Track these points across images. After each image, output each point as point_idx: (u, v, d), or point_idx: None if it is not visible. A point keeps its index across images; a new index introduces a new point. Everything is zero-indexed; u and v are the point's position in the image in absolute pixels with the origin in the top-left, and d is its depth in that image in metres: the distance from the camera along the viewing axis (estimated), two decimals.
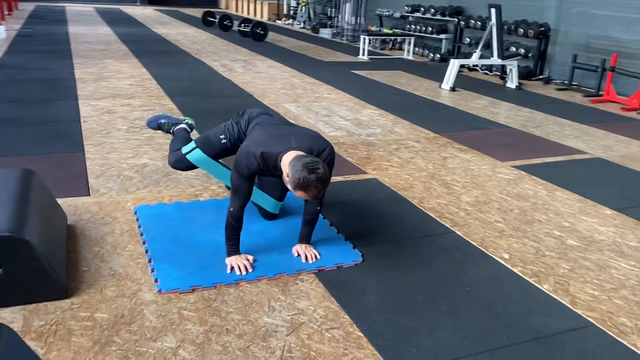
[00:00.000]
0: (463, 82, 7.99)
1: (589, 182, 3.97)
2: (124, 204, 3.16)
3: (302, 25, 16.42)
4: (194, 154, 2.87)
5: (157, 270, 2.44)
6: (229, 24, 13.68)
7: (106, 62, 8.05)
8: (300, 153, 2.37)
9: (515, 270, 2.67)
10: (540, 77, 8.67)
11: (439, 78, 8.22)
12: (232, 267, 2.48)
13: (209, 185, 3.51)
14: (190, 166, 2.90)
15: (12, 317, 2.09)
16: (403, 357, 1.99)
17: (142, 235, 2.78)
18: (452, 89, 7.38)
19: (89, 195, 3.26)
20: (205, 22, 14.65)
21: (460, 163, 4.27)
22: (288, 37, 13.44)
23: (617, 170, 4.33)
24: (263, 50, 10.51)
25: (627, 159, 4.63)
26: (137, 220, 2.94)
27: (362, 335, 2.11)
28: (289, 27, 16.57)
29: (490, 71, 9.05)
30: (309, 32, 15.12)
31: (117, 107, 5.41)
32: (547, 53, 8.73)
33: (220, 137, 2.84)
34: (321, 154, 2.46)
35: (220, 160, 2.93)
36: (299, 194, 2.28)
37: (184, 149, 2.91)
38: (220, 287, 2.38)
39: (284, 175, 2.35)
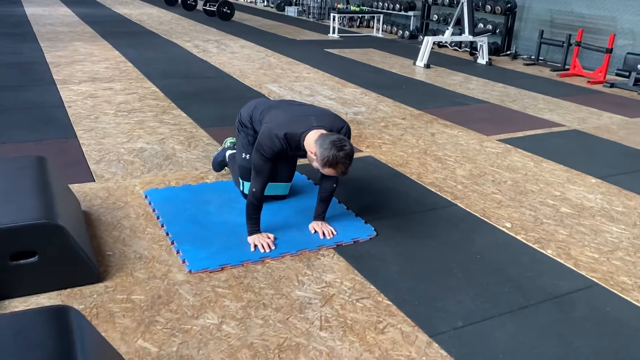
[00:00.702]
0: (435, 58, 8.14)
1: (570, 153, 4.19)
2: (132, 189, 3.17)
3: (265, 3, 16.25)
4: (247, 187, 2.90)
5: (183, 251, 2.50)
6: (193, 3, 13.43)
7: (75, 45, 7.84)
8: (324, 131, 2.45)
9: (518, 237, 2.84)
10: (508, 52, 8.91)
11: (412, 55, 8.36)
12: (256, 245, 2.56)
13: (211, 167, 3.55)
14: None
15: (50, 302, 2.11)
16: (433, 321, 2.13)
17: (158, 218, 2.82)
18: (427, 66, 7.53)
19: (94, 181, 3.26)
20: (168, 2, 14.33)
21: (449, 138, 4.42)
22: (254, 15, 13.32)
23: (593, 141, 4.57)
24: (232, 29, 10.40)
25: (601, 130, 4.89)
26: (150, 204, 2.97)
27: (390, 303, 2.23)
28: (252, 5, 16.38)
29: (460, 47, 9.24)
30: (274, 10, 14.99)
31: (99, 91, 5.32)
32: (513, 29, 8.97)
33: (243, 156, 2.88)
34: (340, 131, 2.54)
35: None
36: (328, 170, 2.37)
37: (240, 188, 2.98)
38: (247, 265, 2.45)
39: (310, 154, 2.42)
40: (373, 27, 11.20)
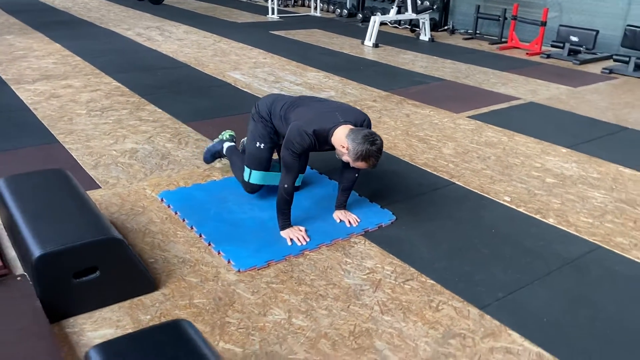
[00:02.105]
0: (380, 37, 8.34)
1: (535, 125, 4.54)
2: (143, 192, 3.15)
3: None
4: (253, 176, 2.97)
5: (225, 251, 2.56)
6: None
7: (7, 39, 7.38)
8: (351, 127, 2.57)
9: (520, 210, 3.11)
10: (446, 28, 9.28)
11: (357, 35, 8.54)
12: (291, 239, 2.66)
13: (214, 164, 3.57)
14: (261, 187, 3.02)
15: (117, 316, 2.13)
16: (477, 295, 2.34)
17: (184, 220, 2.84)
18: (376, 45, 7.73)
19: (100, 187, 3.21)
20: None
21: (423, 118, 4.65)
22: None
23: (550, 112, 4.96)
24: (167, 14, 10.11)
25: (553, 101, 5.30)
26: (169, 206, 2.98)
27: (434, 282, 2.42)
28: None
29: (400, 25, 9.50)
30: None
31: (58, 90, 5.10)
32: (449, 5, 9.34)
33: (257, 145, 2.93)
34: (363, 123, 2.68)
35: (272, 165, 3.03)
36: (360, 164, 2.50)
37: (245, 176, 3.00)
38: (289, 259, 2.56)
39: (341, 148, 2.53)
40: (310, 7, 11.24)
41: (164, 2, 11.58)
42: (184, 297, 2.26)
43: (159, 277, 2.38)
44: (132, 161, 3.57)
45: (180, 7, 11.23)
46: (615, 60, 6.67)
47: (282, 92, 3.12)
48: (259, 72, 6.03)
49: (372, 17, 7.79)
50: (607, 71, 6.52)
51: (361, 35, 8.51)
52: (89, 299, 2.12)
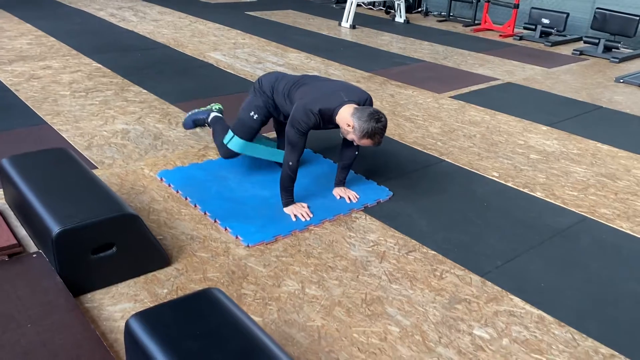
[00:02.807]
0: (355, 18, 8.39)
1: (515, 105, 4.69)
2: (141, 172, 3.17)
3: None
4: (234, 142, 3.00)
5: (232, 227, 2.61)
6: None
7: None
8: (355, 105, 2.64)
9: (509, 184, 3.25)
10: (419, 10, 9.38)
11: (332, 15, 8.57)
12: (295, 215, 2.73)
13: (206, 143, 3.59)
14: (237, 154, 3.05)
15: (133, 290, 2.17)
16: (477, 263, 2.46)
17: (187, 199, 2.88)
18: (353, 27, 7.78)
19: (97, 167, 3.20)
20: None
21: (408, 98, 4.76)
22: None
23: (528, 91, 5.13)
24: None
25: (530, 81, 5.47)
26: (170, 185, 3.01)
27: (436, 252, 2.54)
28: None
29: (374, 6, 9.55)
30: None
31: (37, 71, 5.00)
32: None
33: (250, 114, 2.97)
34: (366, 102, 2.75)
35: (257, 138, 3.06)
36: (365, 141, 2.58)
37: (225, 139, 3.03)
38: (295, 234, 2.63)
39: (346, 127, 2.61)
40: None
41: None
42: (197, 271, 2.32)
43: (170, 253, 2.42)
44: (125, 141, 3.57)
45: None
46: (585, 42, 6.90)
47: (269, 72, 3.15)
48: (239, 53, 6.02)
49: None
50: (578, 52, 6.74)
51: (337, 16, 8.54)
52: (106, 275, 2.15)
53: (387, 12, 9.14)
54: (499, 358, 1.93)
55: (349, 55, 6.16)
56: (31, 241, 2.31)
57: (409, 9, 9.27)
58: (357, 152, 2.93)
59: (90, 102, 4.26)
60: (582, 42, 7.27)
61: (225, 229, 2.62)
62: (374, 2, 9.49)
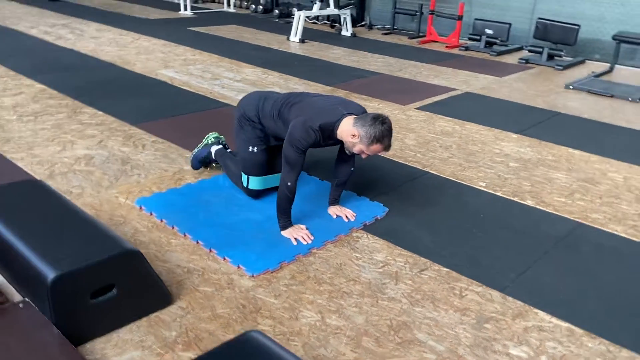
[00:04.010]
0: (303, 33, 8.32)
1: (479, 113, 4.74)
2: (116, 200, 2.90)
3: None
4: (252, 183, 2.86)
5: (231, 257, 2.42)
6: None
7: None
8: (353, 116, 2.53)
9: (498, 194, 3.23)
10: (363, 23, 9.44)
11: (279, 30, 8.48)
12: (296, 239, 2.57)
13: (180, 166, 3.36)
14: (262, 191, 2.90)
15: (138, 336, 1.94)
16: (493, 278, 2.39)
17: (173, 227, 2.65)
18: (302, 41, 7.70)
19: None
20: None
21: (375, 111, 4.68)
22: None
23: (487, 100, 5.21)
24: (72, 11, 9.40)
25: (487, 90, 5.57)
26: (152, 214, 2.77)
27: (449, 269, 2.45)
28: None
29: (319, 20, 9.53)
30: None
31: None
32: (366, 0, 9.51)
33: (249, 149, 2.81)
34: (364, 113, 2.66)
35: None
36: (375, 147, 2.45)
37: (243, 183, 2.88)
38: (299, 258, 2.47)
39: (350, 138, 2.47)
40: (222, 2, 10.96)
41: None
42: (204, 308, 2.11)
43: (169, 290, 2.19)
44: (91, 168, 3.28)
45: (82, 3, 10.48)
46: (530, 51, 7.14)
47: (248, 94, 2.99)
48: (192, 70, 5.78)
49: (297, 13, 7.74)
50: (524, 61, 6.96)
51: (283, 31, 8.45)
52: (105, 321, 1.91)
53: (332, 26, 9.14)
54: None
55: (305, 70, 6.06)
56: (11, 288, 2.02)
57: (353, 23, 9.31)
58: (352, 169, 2.81)
59: (41, 126, 3.92)
60: (523, 51, 7.53)
61: (224, 259, 2.42)
62: (318, 16, 9.47)
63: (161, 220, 2.71)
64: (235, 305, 2.13)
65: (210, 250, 2.48)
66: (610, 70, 6.72)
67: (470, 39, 7.75)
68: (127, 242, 1.98)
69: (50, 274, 1.72)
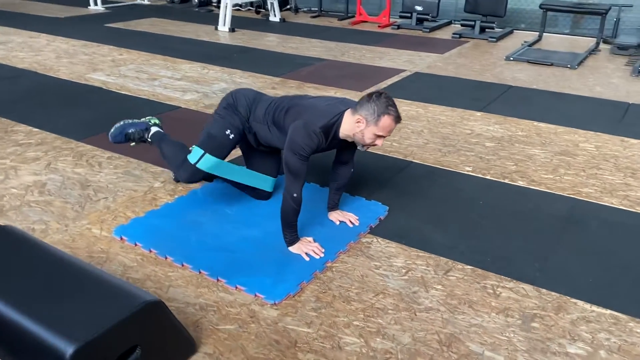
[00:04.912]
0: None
1: (438, 94, 4.68)
2: (90, 233, 2.55)
3: None
4: (206, 161, 2.54)
5: (243, 284, 2.17)
6: None
7: None
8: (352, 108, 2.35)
9: (487, 177, 3.17)
10: (289, 7, 9.17)
11: (201, 20, 8.13)
12: (306, 254, 2.36)
13: (148, 182, 3.03)
14: (206, 176, 2.57)
15: None
16: (519, 270, 2.31)
17: (166, 258, 2.36)
18: (232, 30, 7.34)
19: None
20: None
21: None
22: None
23: (438, 79, 5.17)
24: None
25: (434, 69, 5.54)
26: (137, 244, 2.45)
27: (472, 267, 2.34)
28: None
29: (242, 7, 9.15)
30: None
31: None
32: None
33: (226, 132, 2.54)
34: None
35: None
36: (385, 121, 2.23)
37: (191, 159, 2.54)
38: (317, 276, 2.27)
39: (355, 127, 2.28)
40: None
41: None
42: (234, 351, 1.86)
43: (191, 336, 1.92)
44: (47, 197, 2.88)
45: None
46: (462, 25, 7.21)
47: (244, 88, 2.74)
48: (125, 71, 5.31)
49: (223, 1, 7.35)
50: (457, 36, 7.01)
51: (207, 20, 8.05)
52: None
53: (257, 12, 8.81)
54: None
55: (246, 61, 5.75)
56: None
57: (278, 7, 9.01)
58: (352, 170, 2.63)
59: None
60: (453, 25, 7.60)
61: (236, 288, 2.17)
62: (241, 4, 9.08)
63: (150, 251, 2.41)
64: (267, 342, 1.91)
65: (218, 280, 2.22)
66: (540, 38, 6.92)
67: (401, 16, 7.72)
68: (143, 290, 1.69)
69: (68, 348, 1.42)
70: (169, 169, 2.76)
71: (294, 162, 2.27)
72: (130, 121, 2.88)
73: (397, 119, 2.28)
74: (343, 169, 2.61)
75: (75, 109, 4.23)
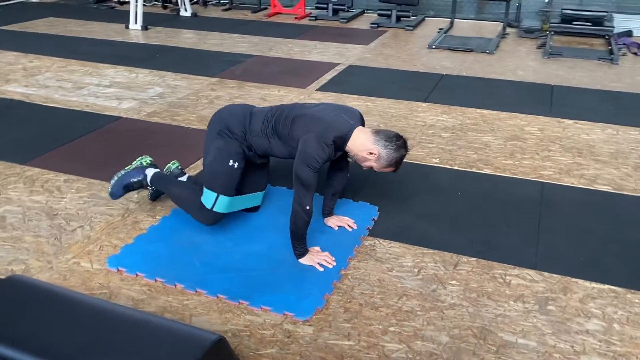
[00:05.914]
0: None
1: (378, 87, 4.77)
2: (80, 268, 2.36)
3: None
4: (221, 203, 2.46)
5: (269, 304, 2.13)
6: None
7: None
8: (369, 129, 2.41)
9: (455, 168, 3.33)
10: (196, 0, 8.87)
11: (105, 18, 7.70)
12: (319, 264, 2.36)
13: (122, 204, 2.85)
14: (223, 216, 2.49)
15: None
16: (519, 257, 2.46)
17: (175, 285, 2.25)
18: (145, 28, 6.98)
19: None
20: None
21: (282, 99, 4.48)
22: None
23: (373, 71, 5.29)
24: None
25: (366, 61, 5.65)
26: (138, 274, 2.31)
27: (479, 259, 2.46)
28: None
29: (148, 2, 8.70)
30: None
31: None
32: None
33: (230, 163, 2.44)
34: (361, 119, 2.50)
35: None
36: (387, 170, 2.39)
37: (207, 203, 2.44)
38: (336, 285, 2.28)
39: (364, 155, 2.33)
40: None
41: None
42: None
43: None
44: (14, 232, 2.62)
45: None
46: (379, 15, 7.38)
47: (229, 105, 2.65)
48: (44, 80, 4.90)
49: None
50: (375, 25, 7.18)
51: (112, 18, 7.61)
52: None
53: (165, 7, 8.44)
54: (634, 348, 1.98)
55: (173, 62, 5.51)
56: None
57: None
58: (348, 175, 2.65)
59: None
60: (366, 14, 7.77)
61: (261, 308, 2.13)
62: None
63: (155, 280, 2.28)
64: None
65: (240, 303, 2.16)
66: (452, 25, 7.27)
67: (317, 7, 7.75)
68: (198, 328, 1.62)
69: None
70: (186, 212, 2.60)
71: (307, 174, 2.25)
72: (123, 172, 2.69)
73: (395, 170, 2.46)
74: (339, 175, 2.62)
75: (4, 127, 3.84)
